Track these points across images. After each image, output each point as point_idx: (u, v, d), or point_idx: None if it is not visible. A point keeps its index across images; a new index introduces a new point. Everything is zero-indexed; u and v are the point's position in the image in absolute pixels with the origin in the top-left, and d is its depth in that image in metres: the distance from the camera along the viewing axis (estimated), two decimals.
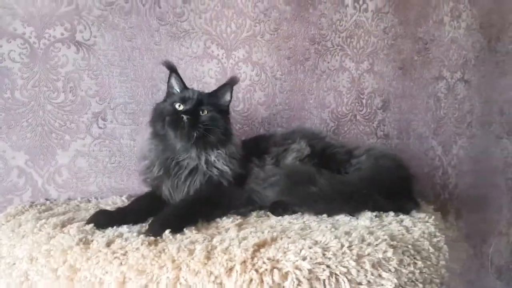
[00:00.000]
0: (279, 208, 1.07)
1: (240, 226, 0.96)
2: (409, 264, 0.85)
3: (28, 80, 1.17)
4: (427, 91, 1.70)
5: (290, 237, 0.86)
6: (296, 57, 1.48)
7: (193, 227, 0.93)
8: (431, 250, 0.92)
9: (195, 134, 1.04)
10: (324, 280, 0.76)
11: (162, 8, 1.28)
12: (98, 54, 1.23)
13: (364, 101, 1.62)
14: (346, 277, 0.77)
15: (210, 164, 1.07)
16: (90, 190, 1.25)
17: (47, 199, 1.20)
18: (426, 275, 0.87)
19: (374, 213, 1.04)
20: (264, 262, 0.76)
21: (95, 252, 0.80)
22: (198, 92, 1.11)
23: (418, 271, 0.86)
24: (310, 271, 0.76)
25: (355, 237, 0.86)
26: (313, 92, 1.53)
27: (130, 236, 0.87)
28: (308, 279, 0.75)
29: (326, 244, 0.83)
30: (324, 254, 0.79)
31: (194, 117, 1.05)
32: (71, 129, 1.22)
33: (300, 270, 0.75)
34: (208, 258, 0.77)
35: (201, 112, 1.07)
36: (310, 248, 0.80)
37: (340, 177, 1.13)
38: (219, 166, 1.08)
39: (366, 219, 1.01)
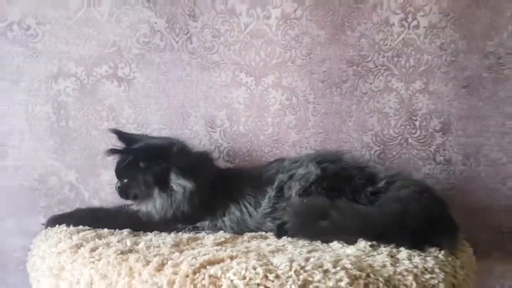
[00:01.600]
0: (283, 231, 1.05)
1: (220, 244, 0.99)
2: None
3: (78, 111, 1.39)
4: (503, 112, 1.47)
5: (248, 257, 0.85)
6: (332, 80, 1.45)
7: (173, 242, 0.99)
8: (414, 287, 0.81)
9: None
10: None
11: (194, 43, 1.40)
12: (137, 87, 1.40)
13: (417, 123, 1.48)
14: None
15: None
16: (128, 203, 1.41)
17: None
18: None
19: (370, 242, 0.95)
20: (203, 279, 0.78)
21: (79, 256, 0.93)
22: None
23: None
24: None
25: (311, 262, 0.81)
26: (353, 115, 1.46)
27: (114, 245, 0.97)
28: None
29: (276, 267, 0.80)
30: (266, 276, 0.77)
31: None
32: None
33: None
34: (158, 270, 0.82)
35: None
36: (254, 269, 0.78)
37: (357, 209, 1.01)
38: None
39: (354, 247, 0.93)
